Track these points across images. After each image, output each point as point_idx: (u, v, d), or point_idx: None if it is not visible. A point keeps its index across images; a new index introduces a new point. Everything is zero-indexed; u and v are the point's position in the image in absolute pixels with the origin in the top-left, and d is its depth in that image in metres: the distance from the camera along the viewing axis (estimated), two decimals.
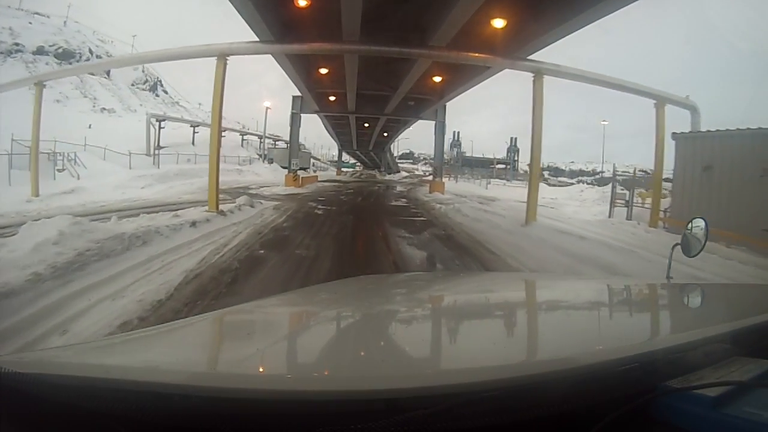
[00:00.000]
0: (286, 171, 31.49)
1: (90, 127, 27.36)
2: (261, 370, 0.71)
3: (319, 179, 27.65)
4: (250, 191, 18.14)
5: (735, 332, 0.84)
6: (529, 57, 10.05)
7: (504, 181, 33.38)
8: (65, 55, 48.00)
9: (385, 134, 33.27)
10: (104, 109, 34.30)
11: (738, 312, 1.19)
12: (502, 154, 73.34)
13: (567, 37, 9.00)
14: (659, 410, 0.61)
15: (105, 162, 22.42)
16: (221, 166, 27.77)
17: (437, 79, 14.08)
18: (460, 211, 13.14)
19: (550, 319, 1.17)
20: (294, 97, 20.82)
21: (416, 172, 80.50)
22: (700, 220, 1.58)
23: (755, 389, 0.63)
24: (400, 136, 38.59)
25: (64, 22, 52.84)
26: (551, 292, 1.57)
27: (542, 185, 33.29)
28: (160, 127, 26.53)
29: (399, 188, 27.84)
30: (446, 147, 79.49)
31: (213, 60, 9.40)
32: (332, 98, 18.83)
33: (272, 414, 0.56)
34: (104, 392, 0.60)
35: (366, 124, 27.77)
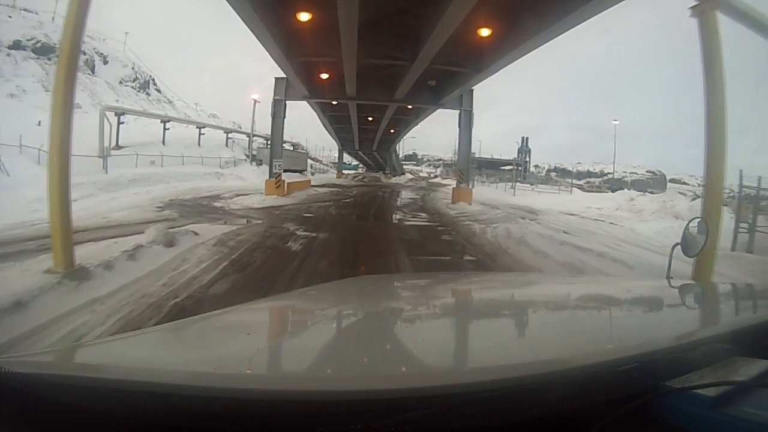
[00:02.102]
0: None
1: (39, 124, 22.30)
2: (261, 370, 0.70)
3: (312, 184, 22.43)
4: (215, 204, 13.11)
5: (735, 332, 0.82)
6: None
7: (531, 186, 28.01)
8: (44, 50, 43.79)
9: (392, 131, 27.87)
10: None
11: (738, 312, 1.24)
12: (506, 155, 70.39)
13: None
14: (659, 410, 0.60)
15: (40, 166, 17.36)
16: (198, 169, 22.61)
17: (485, 32, 8.83)
18: (524, 241, 7.97)
19: (550, 319, 1.14)
20: (276, 80, 15.65)
21: (421, 174, 76.02)
22: (699, 219, 1.61)
23: (755, 389, 0.62)
24: (407, 135, 33.25)
25: (53, 18, 49.63)
26: (551, 292, 1.53)
27: (576, 191, 28.25)
28: (119, 123, 21.30)
29: (410, 194, 22.57)
30: (454, 147, 75.60)
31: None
32: (325, 75, 13.64)
33: (272, 414, 0.55)
34: (104, 392, 0.59)
35: (370, 118, 22.49)
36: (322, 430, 0.52)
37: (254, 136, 28.08)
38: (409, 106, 17.68)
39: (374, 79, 14.66)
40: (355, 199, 17.31)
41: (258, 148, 30.02)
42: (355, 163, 65.64)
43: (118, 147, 21.31)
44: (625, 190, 24.49)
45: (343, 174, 43.55)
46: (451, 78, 13.75)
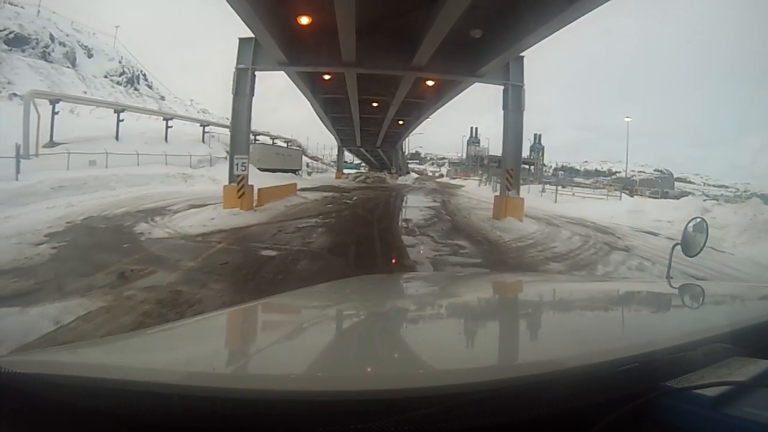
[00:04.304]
0: (263, 175, 21.47)
1: None
2: (261, 370, 0.69)
3: (302, 187, 17.18)
4: (138, 227, 8.10)
5: (735, 332, 0.80)
6: None
7: (562, 188, 22.54)
8: (17, 41, 39.44)
9: (401, 122, 22.54)
10: (15, 94, 23.76)
11: (738, 312, 1.17)
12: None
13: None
14: (659, 410, 0.59)
15: None
16: (160, 170, 16.18)
17: None
18: None
19: (550, 319, 1.10)
20: (241, 41, 10.45)
21: (427, 173, 71.09)
22: (699, 218, 1.51)
23: (755, 389, 0.60)
24: (415, 128, 27.88)
25: (38, 11, 45.60)
26: (551, 292, 1.48)
27: (624, 197, 22.88)
28: (53, 113, 16.06)
29: (426, 200, 17.32)
30: (463, 145, 70.58)
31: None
32: (305, 20, 8.45)
33: (272, 414, 0.53)
34: (104, 392, 0.58)
35: (375, 103, 17.26)
36: (322, 430, 0.50)
37: None
38: (430, 83, 12.40)
39: (383, 35, 9.49)
40: (354, 211, 12.10)
41: None
42: (357, 161, 60.59)
43: (52, 144, 16.18)
44: (691, 197, 19.13)
45: (344, 174, 38.36)
46: (515, 20, 8.47)
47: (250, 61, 10.38)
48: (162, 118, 21.77)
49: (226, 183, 10.52)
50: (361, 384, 0.60)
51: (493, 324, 1.04)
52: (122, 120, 18.40)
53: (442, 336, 0.89)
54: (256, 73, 10.65)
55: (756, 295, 1.36)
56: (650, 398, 0.58)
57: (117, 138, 18.52)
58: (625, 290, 1.51)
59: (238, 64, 10.46)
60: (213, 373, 0.62)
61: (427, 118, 21.07)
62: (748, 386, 0.60)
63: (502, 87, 11.03)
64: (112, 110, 20.78)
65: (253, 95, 10.55)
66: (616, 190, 21.89)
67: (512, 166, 10.51)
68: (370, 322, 1.01)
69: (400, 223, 9.72)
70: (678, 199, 26.66)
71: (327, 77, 12.77)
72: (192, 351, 0.80)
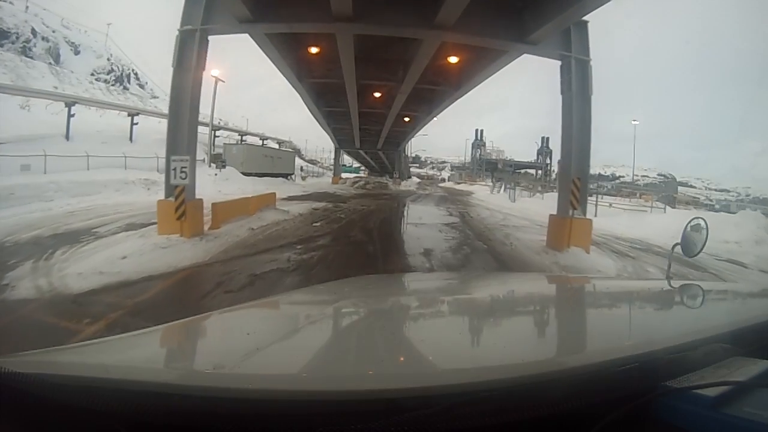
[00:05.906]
0: (247, 180, 18.06)
1: None
2: (261, 370, 0.67)
3: (287, 196, 13.75)
4: (25, 267, 4.69)
5: (735, 332, 0.79)
6: None
7: (608, 200, 19.01)
8: None
9: (407, 118, 19.21)
10: None
11: (738, 312, 1.16)
12: (517, 157, 64.54)
13: None
14: (659, 410, 0.58)
15: None
16: (117, 175, 12.76)
17: None
18: None
19: (550, 320, 1.09)
20: None
21: (433, 177, 67.73)
22: (700, 219, 1.48)
23: (755, 389, 0.59)
24: (423, 127, 24.43)
25: (26, 7, 43.14)
26: (551, 292, 1.46)
27: (676, 210, 18.90)
28: None
29: (440, 212, 13.86)
30: (466, 148, 67.31)
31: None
32: None
33: (272, 414, 0.53)
34: (104, 392, 0.57)
35: (377, 93, 13.92)
36: (322, 430, 0.50)
37: (218, 129, 19.37)
38: (453, 59, 9.02)
39: None
40: (349, 234, 8.65)
41: (225, 144, 21.47)
42: (356, 165, 57.24)
43: None
44: (748, 210, 15.59)
45: (341, 178, 34.93)
46: None
47: (200, 19, 7.01)
48: (127, 113, 18.33)
49: (199, 191, 7.26)
50: (361, 384, 0.59)
51: (493, 324, 1.00)
52: (73, 115, 14.97)
53: (442, 336, 0.87)
54: (210, 37, 7.26)
55: (756, 295, 1.37)
56: (650, 398, 0.57)
57: (67, 137, 15.10)
58: (625, 290, 1.47)
59: (182, 25, 7.08)
60: (213, 373, 0.61)
61: (439, 113, 17.68)
62: (748, 386, 0.59)
63: (560, 62, 7.66)
64: (83, 104, 17.50)
65: (203, 69, 7.17)
66: (656, 200, 18.50)
67: (579, 175, 7.06)
68: (370, 322, 0.98)
69: (417, 259, 6.32)
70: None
71: (314, 50, 9.41)
72: (192, 351, 0.80)
